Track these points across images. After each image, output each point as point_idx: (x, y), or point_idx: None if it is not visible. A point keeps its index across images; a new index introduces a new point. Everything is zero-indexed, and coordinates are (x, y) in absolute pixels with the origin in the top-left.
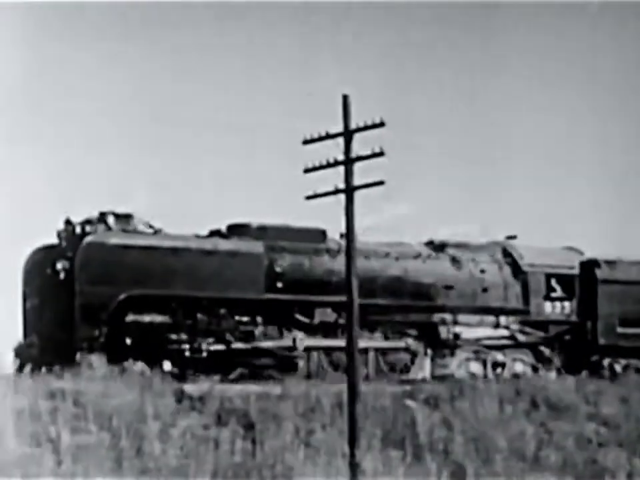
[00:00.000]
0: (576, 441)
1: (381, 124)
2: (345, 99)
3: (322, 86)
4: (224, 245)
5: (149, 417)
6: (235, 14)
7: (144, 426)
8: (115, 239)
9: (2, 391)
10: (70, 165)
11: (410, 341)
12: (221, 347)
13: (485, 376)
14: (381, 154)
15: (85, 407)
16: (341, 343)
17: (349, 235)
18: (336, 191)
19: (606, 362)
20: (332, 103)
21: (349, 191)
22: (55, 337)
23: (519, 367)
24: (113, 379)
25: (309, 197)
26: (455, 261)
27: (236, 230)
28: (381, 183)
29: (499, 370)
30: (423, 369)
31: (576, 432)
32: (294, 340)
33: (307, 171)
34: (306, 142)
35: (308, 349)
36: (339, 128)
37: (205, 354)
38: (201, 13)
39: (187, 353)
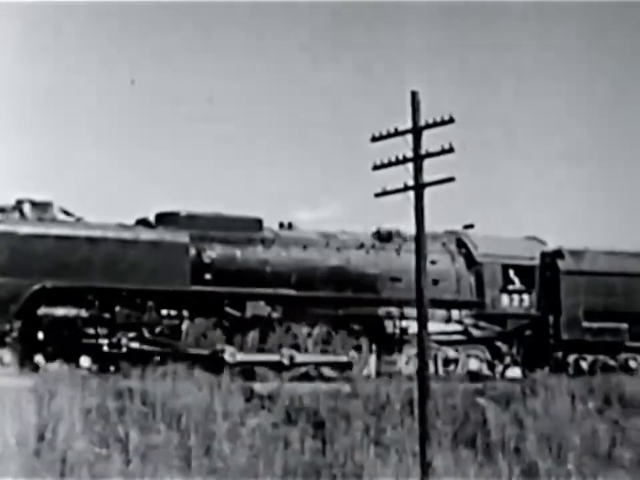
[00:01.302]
0: None
1: (451, 120)
2: (414, 95)
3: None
4: (145, 234)
5: (218, 415)
6: (290, 13)
7: (213, 425)
8: (26, 228)
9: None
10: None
11: (353, 354)
12: (140, 345)
13: (436, 373)
14: (450, 150)
15: (153, 406)
16: (274, 357)
17: (418, 233)
18: (405, 188)
19: (571, 358)
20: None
21: (419, 188)
22: None
23: (473, 364)
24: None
25: (377, 195)
26: (401, 251)
27: (164, 219)
28: (451, 179)
29: (451, 367)
30: (368, 365)
31: None
32: (221, 352)
33: (375, 168)
34: (374, 139)
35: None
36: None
37: (124, 349)
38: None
39: (105, 348)
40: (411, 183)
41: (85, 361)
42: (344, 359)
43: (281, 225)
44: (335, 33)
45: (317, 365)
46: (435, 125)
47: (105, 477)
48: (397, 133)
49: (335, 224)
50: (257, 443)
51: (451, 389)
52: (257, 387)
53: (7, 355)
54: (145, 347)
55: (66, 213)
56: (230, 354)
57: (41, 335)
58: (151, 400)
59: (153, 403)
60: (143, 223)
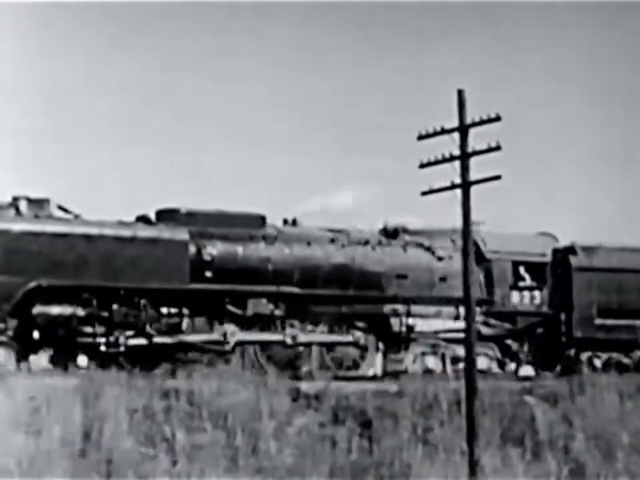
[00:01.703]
0: None
1: (497, 118)
2: (460, 93)
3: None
4: (143, 231)
5: (264, 415)
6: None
7: (259, 424)
8: (20, 225)
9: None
10: None
11: (358, 334)
12: (140, 341)
13: (444, 371)
14: (497, 148)
15: (199, 406)
16: (277, 336)
17: (465, 232)
18: (452, 186)
19: (584, 356)
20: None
21: (466, 186)
22: None
23: (482, 362)
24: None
25: (424, 193)
26: (408, 248)
27: (164, 216)
28: (497, 177)
29: (460, 365)
30: (374, 364)
31: None
32: (224, 334)
33: (422, 166)
34: (421, 137)
35: (240, 344)
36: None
37: (122, 348)
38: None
39: (103, 347)
40: (457, 180)
41: (82, 360)
42: (349, 338)
43: (285, 222)
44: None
45: (321, 345)
46: (482, 122)
47: (151, 477)
48: (444, 131)
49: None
50: (303, 442)
51: (498, 387)
52: (304, 386)
53: (2, 355)
54: (146, 341)
55: (63, 210)
56: (231, 333)
57: (36, 334)
58: (197, 400)
59: (199, 402)
60: (142, 219)
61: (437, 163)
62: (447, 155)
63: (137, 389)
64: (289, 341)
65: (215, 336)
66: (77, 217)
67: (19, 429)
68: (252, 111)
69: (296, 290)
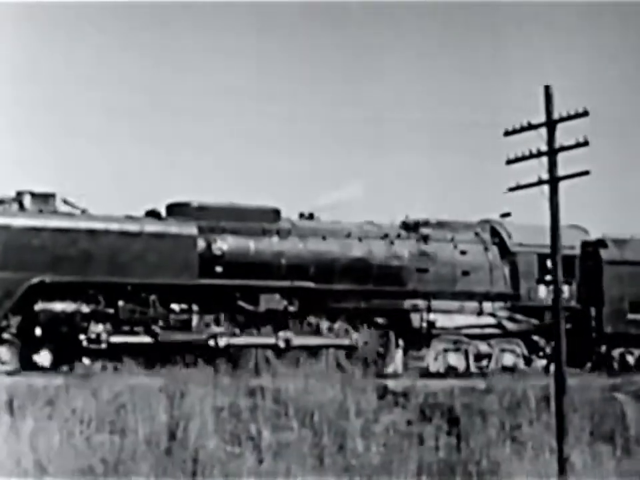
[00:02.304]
0: None
1: (585, 113)
2: (547, 89)
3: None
4: (150, 226)
5: (351, 413)
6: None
7: (346, 422)
8: (22, 221)
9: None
10: None
11: (355, 336)
12: (131, 338)
13: (467, 368)
14: (585, 144)
15: (285, 404)
16: (269, 340)
17: (554, 227)
18: (540, 182)
19: (616, 353)
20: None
21: (554, 181)
22: None
23: (508, 359)
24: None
25: (511, 189)
26: (429, 241)
27: (175, 210)
28: (586, 173)
29: (484, 362)
30: (394, 361)
31: None
32: (214, 336)
33: (509, 162)
34: (507, 133)
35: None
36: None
37: (104, 345)
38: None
39: (104, 345)
40: (545, 176)
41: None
42: (346, 342)
43: (302, 216)
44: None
45: (316, 348)
46: (570, 118)
47: (237, 475)
48: (531, 127)
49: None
50: (390, 440)
51: (587, 384)
52: (391, 383)
53: (5, 353)
54: (127, 339)
55: (69, 204)
56: (219, 336)
57: (38, 331)
58: (283, 398)
59: (285, 400)
60: (151, 214)
61: (524, 158)
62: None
63: (223, 388)
64: (281, 344)
65: (199, 336)
66: (83, 211)
67: (104, 428)
68: (267, 108)
69: (311, 285)
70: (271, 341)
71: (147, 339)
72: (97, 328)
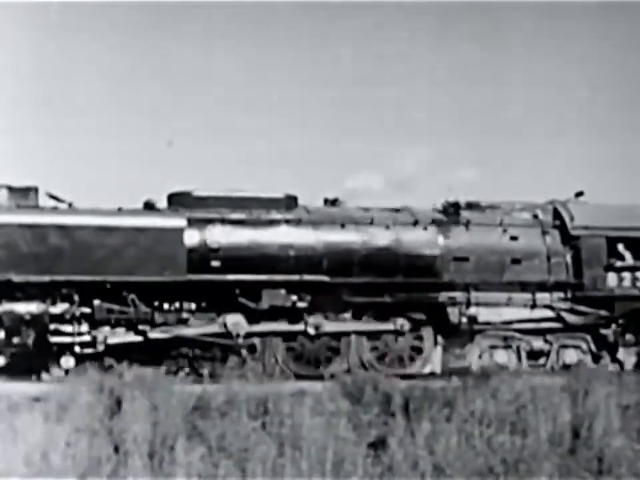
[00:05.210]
0: None
1: None
2: None
3: None
4: (130, 220)
5: None
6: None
7: None
8: None
9: None
10: None
11: (400, 321)
12: (118, 339)
13: (520, 367)
14: None
15: None
16: (295, 326)
17: None
18: None
19: None
20: None
21: None
22: None
23: (570, 355)
24: None
25: None
26: (471, 226)
27: (175, 199)
28: None
29: (541, 360)
30: (432, 360)
31: None
32: (224, 325)
33: None
34: None
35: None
36: None
37: (101, 347)
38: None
39: (77, 348)
40: None
41: (66, 361)
42: (390, 326)
43: (326, 202)
44: None
45: (352, 334)
46: None
47: None
48: None
49: None
50: None
51: None
52: None
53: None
54: (130, 339)
55: (54, 198)
56: (233, 324)
57: (1, 334)
58: None
59: None
60: (147, 205)
61: None
62: None
63: (627, 386)
64: (311, 331)
65: (216, 328)
66: (70, 205)
67: (504, 428)
68: (294, 91)
69: (324, 278)
70: (299, 327)
71: (138, 338)
72: (83, 328)
